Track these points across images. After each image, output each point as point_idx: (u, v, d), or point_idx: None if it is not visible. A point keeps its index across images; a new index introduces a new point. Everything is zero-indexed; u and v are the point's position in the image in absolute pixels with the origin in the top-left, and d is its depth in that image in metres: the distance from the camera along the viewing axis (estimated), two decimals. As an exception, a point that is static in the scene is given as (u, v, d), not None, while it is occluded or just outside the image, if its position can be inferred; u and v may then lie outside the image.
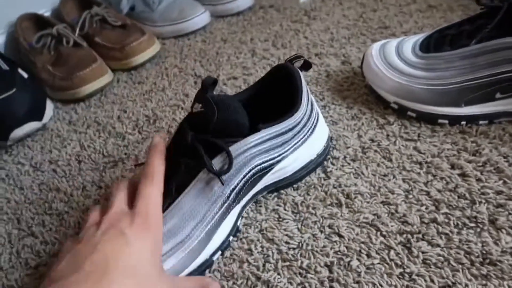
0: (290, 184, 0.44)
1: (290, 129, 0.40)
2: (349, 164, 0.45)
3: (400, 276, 0.35)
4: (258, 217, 0.42)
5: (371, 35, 0.65)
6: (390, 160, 0.45)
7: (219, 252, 0.39)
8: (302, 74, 0.43)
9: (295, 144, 0.41)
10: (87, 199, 0.49)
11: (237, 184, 0.38)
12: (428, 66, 0.46)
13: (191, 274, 0.37)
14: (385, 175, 0.43)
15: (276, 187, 0.43)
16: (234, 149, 0.37)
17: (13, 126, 0.58)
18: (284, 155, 0.40)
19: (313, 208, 0.42)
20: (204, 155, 0.36)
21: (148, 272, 0.30)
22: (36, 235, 0.46)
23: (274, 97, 0.44)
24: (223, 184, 0.37)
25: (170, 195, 0.37)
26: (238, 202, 0.39)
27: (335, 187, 0.43)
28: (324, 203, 0.42)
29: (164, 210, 0.36)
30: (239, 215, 0.41)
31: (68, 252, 0.31)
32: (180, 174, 0.37)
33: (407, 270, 0.35)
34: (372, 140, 0.47)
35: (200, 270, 0.37)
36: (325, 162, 0.46)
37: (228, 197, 0.38)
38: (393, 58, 0.48)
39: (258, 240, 0.40)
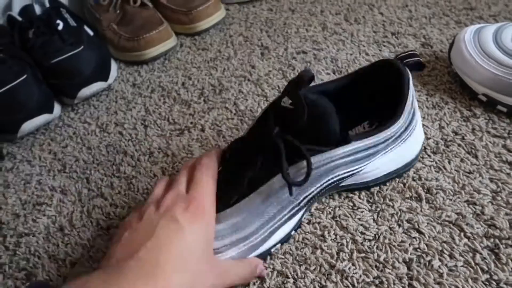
0: (364, 188, 0.41)
1: (384, 141, 0.36)
2: (429, 156, 0.43)
3: (486, 283, 0.33)
4: (331, 203, 0.41)
5: (455, 17, 0.60)
6: (476, 157, 0.42)
7: (279, 245, 0.38)
8: (411, 76, 0.37)
9: (383, 153, 0.38)
10: (154, 165, 0.49)
11: (312, 192, 0.36)
12: (531, 58, 0.42)
13: None
14: (470, 172, 0.41)
15: (349, 189, 0.41)
16: (317, 159, 0.34)
17: (81, 85, 0.59)
18: (368, 164, 0.37)
19: (390, 200, 0.40)
20: (284, 160, 0.33)
21: (198, 262, 0.31)
22: (106, 196, 0.47)
23: (371, 96, 0.40)
24: (291, 195, 0.35)
25: (241, 187, 0.35)
26: (309, 207, 0.38)
27: (414, 180, 0.41)
28: (402, 195, 0.40)
29: (233, 203, 0.35)
30: (305, 212, 0.39)
31: (129, 228, 0.32)
32: (254, 169, 0.35)
33: (494, 277, 0.33)
34: (456, 133, 0.44)
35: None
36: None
37: (299, 203, 0.36)
38: (490, 46, 0.44)
39: (331, 226, 0.39)
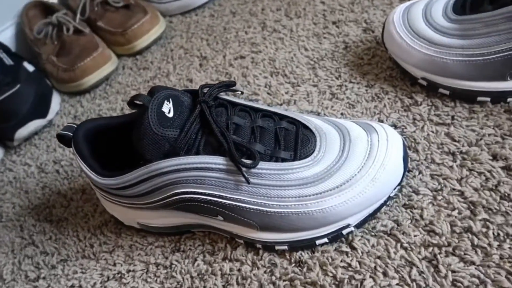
0: None
1: None
2: (366, 157, 0.38)
3: (423, 302, 0.29)
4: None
5: (399, -6, 0.55)
6: (416, 151, 0.37)
7: None
8: None
9: None
10: (86, 203, 0.46)
11: None
12: (464, 32, 0.37)
13: None
14: (409, 171, 0.36)
15: None
16: None
17: (17, 126, 0.57)
18: None
19: (323, 213, 0.36)
20: None
21: None
22: (37, 244, 0.44)
23: None
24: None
25: None
26: None
27: (349, 187, 0.37)
28: (335, 206, 0.36)
29: None
30: None
31: None
32: None
33: (432, 295, 0.29)
34: (395, 126, 0.40)
35: None
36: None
37: None
38: (420, 24, 0.40)
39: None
